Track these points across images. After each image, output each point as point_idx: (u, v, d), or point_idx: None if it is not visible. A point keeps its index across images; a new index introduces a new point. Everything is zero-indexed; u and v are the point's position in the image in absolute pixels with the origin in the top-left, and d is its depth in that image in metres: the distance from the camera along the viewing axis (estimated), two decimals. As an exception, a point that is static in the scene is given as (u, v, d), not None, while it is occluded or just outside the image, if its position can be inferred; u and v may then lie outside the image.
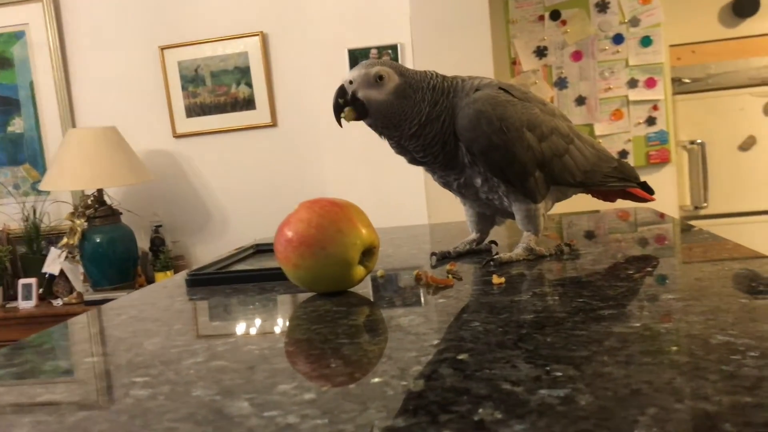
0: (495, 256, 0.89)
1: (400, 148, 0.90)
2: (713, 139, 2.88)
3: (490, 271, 0.84)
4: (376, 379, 0.48)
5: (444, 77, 0.90)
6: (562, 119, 0.94)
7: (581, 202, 1.26)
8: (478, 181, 0.90)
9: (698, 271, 0.79)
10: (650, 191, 1.06)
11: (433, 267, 0.92)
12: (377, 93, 0.85)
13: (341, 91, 0.86)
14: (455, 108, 0.87)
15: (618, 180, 0.99)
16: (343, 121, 0.87)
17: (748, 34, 2.89)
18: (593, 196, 1.06)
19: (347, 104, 0.86)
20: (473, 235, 1.01)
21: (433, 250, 0.98)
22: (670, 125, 2.75)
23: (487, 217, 1.00)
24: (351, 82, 0.86)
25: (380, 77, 0.85)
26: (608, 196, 1.07)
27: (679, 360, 0.47)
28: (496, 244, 1.02)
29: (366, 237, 0.76)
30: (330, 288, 0.79)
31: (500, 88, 0.89)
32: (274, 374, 0.51)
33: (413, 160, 0.92)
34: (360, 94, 0.85)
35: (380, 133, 0.90)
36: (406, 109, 0.86)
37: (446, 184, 0.95)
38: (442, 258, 0.96)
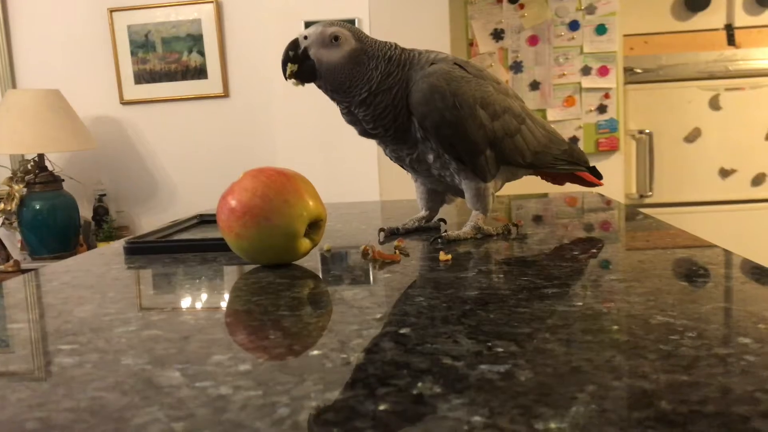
0: (443, 234, 0.89)
1: (351, 116, 0.88)
2: (661, 130, 2.94)
3: (437, 248, 0.84)
4: (315, 352, 0.47)
5: (403, 50, 0.88)
6: (515, 99, 0.93)
7: (530, 185, 1.27)
8: (431, 157, 0.89)
9: (641, 254, 0.80)
10: (599, 176, 1.07)
11: (381, 243, 0.91)
12: (329, 53, 0.83)
13: (293, 44, 0.84)
14: (409, 81, 0.85)
15: (567, 163, 1.00)
16: (290, 82, 0.85)
17: (699, 28, 2.95)
18: (542, 178, 1.07)
19: (297, 60, 0.83)
20: (422, 213, 1.00)
21: (381, 226, 0.96)
22: (620, 114, 2.80)
23: (437, 195, 1.00)
24: (306, 38, 0.83)
25: (336, 38, 0.83)
26: (557, 179, 1.08)
27: (620, 339, 0.47)
28: (444, 222, 1.01)
29: (313, 209, 0.75)
30: (274, 260, 0.77)
31: (455, 64, 0.88)
32: (209, 345, 0.49)
33: (364, 132, 0.90)
34: (311, 52, 0.83)
35: (330, 97, 0.88)
36: (356, 76, 0.84)
37: (399, 159, 0.94)
38: (391, 234, 0.95)
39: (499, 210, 1.25)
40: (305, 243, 0.75)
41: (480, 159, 0.88)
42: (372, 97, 0.84)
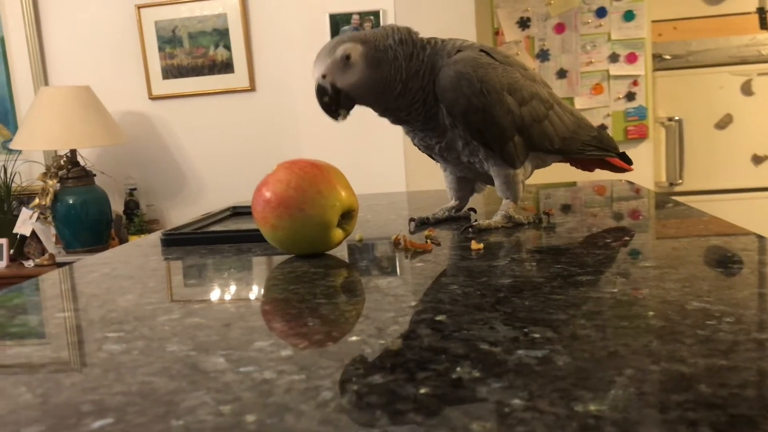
0: (474, 223, 0.89)
1: (386, 111, 0.89)
2: (691, 117, 2.90)
3: (468, 237, 0.84)
4: (354, 338, 0.48)
5: (409, 30, 0.87)
6: (542, 85, 0.93)
7: (558, 174, 1.27)
8: (460, 144, 0.90)
9: (674, 242, 0.80)
10: (629, 162, 1.06)
11: (412, 233, 0.92)
12: (353, 74, 0.83)
13: (320, 90, 0.84)
14: (434, 66, 0.85)
15: (597, 149, 0.99)
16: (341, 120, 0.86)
17: (730, 12, 2.89)
18: (572, 164, 1.06)
19: (332, 101, 0.84)
20: (452, 202, 1.00)
21: (411, 216, 0.97)
22: (649, 101, 2.76)
23: (466, 183, 1.00)
24: (324, 77, 0.83)
25: (347, 57, 0.82)
26: (587, 165, 1.07)
27: (656, 324, 0.47)
28: (474, 211, 1.02)
29: (345, 199, 0.76)
30: (308, 250, 0.78)
31: (482, 51, 0.88)
32: (250, 332, 0.50)
33: (397, 120, 0.90)
34: (339, 84, 0.83)
35: (373, 108, 0.88)
36: (385, 76, 0.83)
37: (428, 148, 0.94)
38: (421, 224, 0.96)
39: (527, 199, 1.25)
40: (338, 233, 0.76)
41: (508, 145, 0.88)
42: (405, 86, 0.85)
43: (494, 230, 0.89)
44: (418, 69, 0.85)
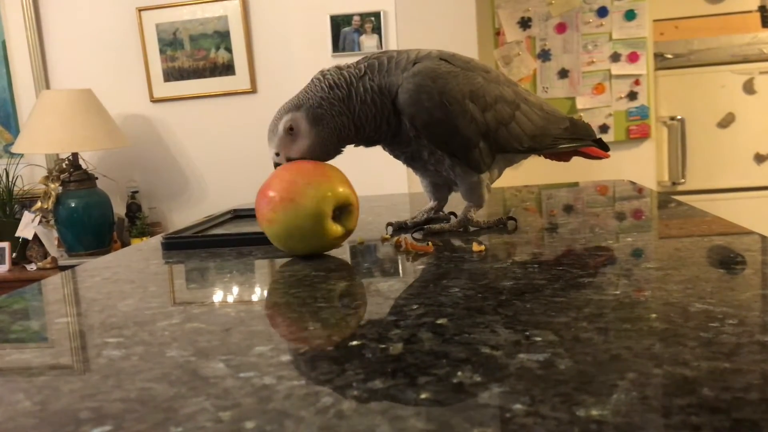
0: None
1: (357, 145, 0.89)
2: (693, 116, 2.90)
3: (470, 239, 0.84)
4: (355, 342, 0.47)
5: (337, 69, 0.86)
6: (507, 85, 0.91)
7: (560, 173, 1.26)
8: (425, 154, 0.89)
9: (677, 242, 0.80)
10: (605, 148, 1.04)
11: (390, 237, 0.89)
12: (302, 142, 0.83)
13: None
14: (391, 85, 0.84)
15: (570, 140, 0.97)
16: None
17: (731, 11, 2.89)
18: (546, 157, 1.04)
19: None
20: (431, 204, 0.99)
21: (389, 221, 0.96)
22: (651, 100, 2.76)
23: (442, 186, 0.99)
24: (278, 154, 0.84)
25: (290, 128, 0.82)
26: (562, 156, 1.05)
27: (658, 327, 0.47)
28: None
29: (340, 191, 0.75)
30: (306, 245, 0.77)
31: (441, 59, 0.86)
32: (250, 336, 0.50)
33: (370, 144, 0.90)
34: (294, 156, 0.83)
35: (338, 154, 0.87)
36: (332, 125, 0.83)
37: (396, 157, 0.93)
38: (399, 228, 0.95)
39: (529, 200, 1.25)
40: (335, 228, 0.76)
41: (474, 152, 0.87)
42: (357, 123, 0.84)
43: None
44: (364, 99, 0.83)
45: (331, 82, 0.84)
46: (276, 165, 0.84)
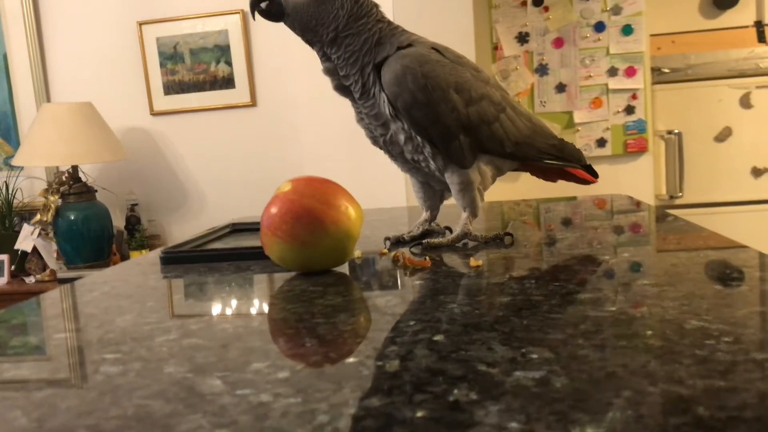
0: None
1: (329, 62, 0.90)
2: (690, 130, 2.91)
3: (467, 254, 0.84)
4: (351, 359, 0.47)
5: (382, 13, 0.90)
6: (496, 88, 0.92)
7: (557, 188, 1.27)
8: (402, 138, 0.89)
9: (673, 257, 0.80)
10: (594, 174, 1.04)
11: (388, 251, 0.90)
12: None
13: None
14: (382, 47, 0.87)
15: (555, 158, 0.98)
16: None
17: (728, 26, 2.90)
18: (532, 174, 1.04)
19: (268, 4, 0.87)
20: (424, 215, 0.99)
21: (387, 235, 0.96)
22: (648, 114, 2.77)
23: (434, 191, 0.99)
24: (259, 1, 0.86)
25: None
26: (548, 174, 1.05)
27: (654, 344, 0.47)
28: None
29: (360, 213, 0.79)
30: (322, 265, 0.79)
31: (433, 48, 0.88)
32: (247, 353, 0.50)
33: (338, 87, 0.91)
34: None
35: (301, 37, 0.90)
36: (322, 14, 0.86)
37: (374, 140, 0.94)
38: (396, 243, 0.95)
39: (527, 214, 1.25)
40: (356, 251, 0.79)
41: (453, 143, 0.88)
42: (341, 39, 0.86)
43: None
44: (360, 32, 0.86)
45: (364, 1, 0.87)
46: (253, 10, 0.87)
